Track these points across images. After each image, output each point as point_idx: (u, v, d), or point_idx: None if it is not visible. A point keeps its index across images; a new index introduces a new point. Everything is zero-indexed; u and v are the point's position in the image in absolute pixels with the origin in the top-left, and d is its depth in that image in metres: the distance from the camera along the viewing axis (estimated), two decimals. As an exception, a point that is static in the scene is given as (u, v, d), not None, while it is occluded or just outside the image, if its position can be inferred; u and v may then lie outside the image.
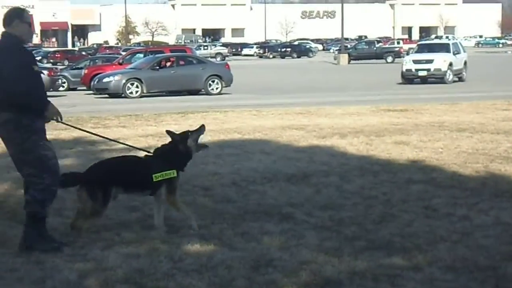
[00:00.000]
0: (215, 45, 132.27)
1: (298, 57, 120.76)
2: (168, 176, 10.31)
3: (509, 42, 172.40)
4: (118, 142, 13.10)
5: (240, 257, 9.03)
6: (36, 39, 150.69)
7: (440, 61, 49.99)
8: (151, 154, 10.74)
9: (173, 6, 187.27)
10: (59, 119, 9.80)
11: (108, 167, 10.50)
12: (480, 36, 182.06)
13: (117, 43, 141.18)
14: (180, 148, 10.52)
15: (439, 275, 8.28)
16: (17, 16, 9.76)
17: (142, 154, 11.18)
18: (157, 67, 43.62)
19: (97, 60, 57.08)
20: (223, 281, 8.17)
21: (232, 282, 8.13)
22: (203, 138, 10.80)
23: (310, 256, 9.01)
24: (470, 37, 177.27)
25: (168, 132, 10.80)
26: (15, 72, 9.48)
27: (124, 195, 11.00)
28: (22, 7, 10.22)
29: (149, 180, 10.23)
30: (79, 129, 12.34)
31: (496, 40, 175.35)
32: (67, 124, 11.12)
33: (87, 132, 12.55)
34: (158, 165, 10.32)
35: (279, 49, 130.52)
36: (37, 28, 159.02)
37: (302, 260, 8.85)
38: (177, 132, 10.74)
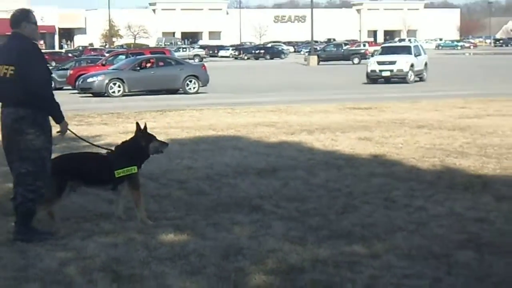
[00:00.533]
0: (193, 47, 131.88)
1: (271, 58, 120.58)
2: (129, 172, 10.30)
3: (466, 45, 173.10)
4: (84, 140, 12.76)
5: (211, 246, 9.04)
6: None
7: (402, 63, 50.13)
8: (113, 151, 10.72)
9: (154, 10, 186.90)
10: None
11: (66, 162, 10.48)
12: (440, 39, 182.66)
13: (104, 45, 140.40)
14: (142, 146, 10.52)
15: (396, 262, 8.31)
16: (25, 17, 9.75)
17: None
18: (138, 68, 43.63)
19: (82, 62, 56.96)
20: (194, 268, 8.17)
21: (203, 269, 8.13)
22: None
23: (276, 244, 9.02)
24: (431, 40, 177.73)
25: (137, 124, 10.79)
26: (44, 75, 9.55)
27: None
28: (27, 8, 10.14)
29: (110, 176, 10.23)
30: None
31: (455, 43, 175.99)
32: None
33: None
34: (120, 161, 10.32)
35: (253, 51, 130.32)
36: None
37: (269, 248, 8.86)
38: (144, 131, 10.72)
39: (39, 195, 9.55)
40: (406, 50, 53.68)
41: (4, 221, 10.00)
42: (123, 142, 10.90)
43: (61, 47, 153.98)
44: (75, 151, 15.87)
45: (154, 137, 10.80)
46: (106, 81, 42.00)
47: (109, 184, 10.40)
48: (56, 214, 10.15)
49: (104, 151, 10.84)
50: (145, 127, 10.70)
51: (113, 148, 10.86)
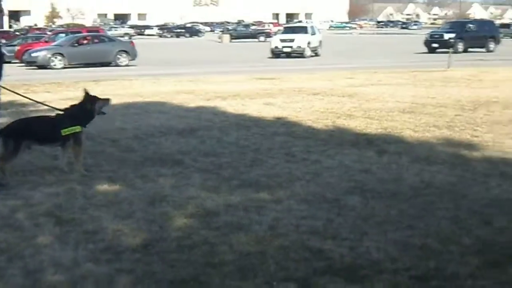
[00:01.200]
0: (123, 27, 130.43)
1: (190, 36, 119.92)
2: (74, 131, 10.22)
3: (354, 26, 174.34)
4: (42, 103, 12.74)
5: (140, 194, 8.99)
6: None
7: (300, 40, 50.49)
8: (62, 113, 10.57)
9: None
10: None
11: (22, 125, 10.31)
12: (332, 21, 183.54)
13: (51, 25, 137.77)
14: (87, 108, 10.43)
15: (295, 206, 8.36)
16: None
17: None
18: (76, 44, 43.29)
19: (27, 39, 55.98)
20: (126, 213, 8.11)
21: (133, 214, 8.08)
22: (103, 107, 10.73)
23: (195, 193, 9.00)
24: (324, 21, 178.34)
25: (85, 90, 10.65)
26: None
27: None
28: None
29: (58, 134, 10.12)
30: (15, 92, 12.03)
31: (344, 24, 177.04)
32: (5, 88, 10.83)
33: (20, 95, 12.22)
34: (66, 122, 10.22)
35: (175, 30, 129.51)
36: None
37: (189, 196, 8.84)
38: (89, 94, 10.60)
39: None
40: (303, 30, 54.04)
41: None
42: (71, 105, 10.74)
43: (10, 26, 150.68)
44: (23, 115, 15.71)
45: (98, 98, 10.69)
46: (49, 55, 41.72)
47: (58, 141, 10.27)
48: (8, 169, 9.99)
49: (55, 112, 10.72)
50: (87, 92, 10.60)
51: (61, 111, 10.71)
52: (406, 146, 12.33)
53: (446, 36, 55.11)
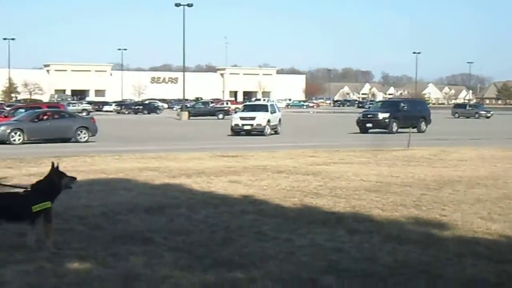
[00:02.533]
0: (81, 103, 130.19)
1: (148, 113, 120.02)
2: (45, 206, 10.10)
3: (311, 105, 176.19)
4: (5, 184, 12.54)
5: (112, 273, 8.86)
6: None
7: (260, 118, 50.79)
8: (29, 189, 10.44)
9: (47, 71, 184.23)
10: None
11: None
12: (289, 99, 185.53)
13: (6, 99, 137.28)
14: (55, 182, 10.33)
15: (271, 285, 8.30)
16: None
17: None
18: (36, 120, 43.05)
19: (-15, 114, 55.66)
20: (99, 293, 7.99)
21: (107, 293, 7.96)
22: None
23: (169, 272, 8.91)
24: (282, 99, 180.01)
25: (53, 164, 10.54)
26: None
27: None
28: None
29: (28, 211, 9.96)
30: None
31: (301, 103, 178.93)
32: None
33: None
34: (37, 198, 10.09)
35: (133, 107, 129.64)
36: None
37: (162, 275, 8.74)
38: (57, 168, 10.49)
39: None
40: (264, 108, 54.43)
41: None
42: (38, 181, 10.61)
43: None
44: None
45: (64, 174, 10.61)
46: (8, 131, 41.25)
47: (28, 218, 10.11)
48: None
49: (20, 190, 10.58)
50: (57, 166, 10.50)
51: (28, 188, 10.57)
52: (376, 225, 12.36)
53: (381, 116, 54.53)
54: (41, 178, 10.66)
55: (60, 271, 8.95)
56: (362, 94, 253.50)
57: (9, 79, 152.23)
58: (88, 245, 10.63)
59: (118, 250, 10.23)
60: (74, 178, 10.90)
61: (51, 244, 10.16)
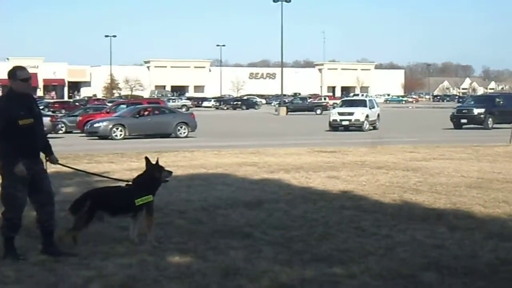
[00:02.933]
0: (181, 99, 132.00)
1: (247, 109, 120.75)
2: (147, 200, 10.27)
3: (410, 100, 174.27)
4: (101, 176, 12.79)
5: (212, 267, 8.95)
6: (39, 92, 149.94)
7: (359, 114, 50.47)
8: (131, 183, 10.64)
9: (148, 67, 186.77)
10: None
11: (96, 195, 10.39)
12: (388, 95, 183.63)
13: (113, 96, 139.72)
14: (156, 176, 10.49)
15: (371, 281, 8.26)
16: (11, 75, 9.65)
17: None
18: (137, 115, 43.80)
19: (88, 109, 56.88)
20: (199, 286, 8.08)
21: (207, 286, 8.04)
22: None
23: (268, 266, 8.94)
24: (380, 95, 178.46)
25: (146, 158, 10.74)
26: None
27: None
28: (17, 66, 9.89)
29: (132, 205, 10.14)
30: (73, 168, 12.17)
31: (400, 98, 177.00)
32: (64, 165, 10.94)
33: (75, 169, 12.35)
34: (139, 192, 10.27)
35: (231, 102, 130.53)
36: (40, 83, 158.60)
37: (262, 269, 8.77)
38: (153, 163, 10.67)
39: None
40: (362, 103, 54.07)
41: (35, 244, 9.89)
42: (138, 175, 10.82)
43: (70, 97, 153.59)
44: (88, 184, 15.83)
45: (163, 167, 10.76)
46: (110, 126, 42.16)
47: (131, 212, 10.30)
48: (79, 239, 10.04)
49: (123, 184, 10.79)
50: (157, 161, 10.68)
51: (130, 182, 10.77)
52: (477, 222, 12.14)
53: (476, 111, 53.09)
54: (141, 172, 10.84)
55: (161, 265, 9.09)
56: (462, 89, 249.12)
57: (111, 75, 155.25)
58: (189, 239, 10.76)
59: (218, 244, 10.33)
60: (171, 172, 11.06)
61: (152, 238, 10.32)
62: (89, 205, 9.97)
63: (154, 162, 10.70)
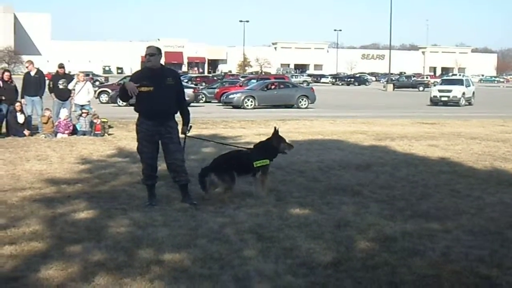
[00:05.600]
0: (302, 75, 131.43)
1: (359, 85, 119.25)
2: (264, 163, 10.35)
3: (501, 80, 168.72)
4: (228, 144, 12.94)
5: (326, 218, 8.96)
6: (184, 68, 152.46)
7: (456, 91, 49.32)
8: (253, 148, 10.75)
9: (275, 48, 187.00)
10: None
11: (225, 159, 10.47)
12: (482, 75, 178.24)
13: (245, 72, 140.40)
14: (273, 145, 10.55)
15: (463, 236, 8.11)
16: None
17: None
18: (266, 89, 43.87)
19: (224, 83, 57.45)
20: (316, 234, 8.10)
21: (322, 235, 8.06)
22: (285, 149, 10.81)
23: (374, 220, 8.89)
24: (475, 75, 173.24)
25: (275, 128, 10.78)
26: None
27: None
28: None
29: (252, 166, 10.24)
30: (202, 139, 12.40)
31: (493, 78, 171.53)
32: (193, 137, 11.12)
33: (205, 140, 12.62)
34: (258, 155, 10.35)
35: (345, 79, 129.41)
36: (185, 60, 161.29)
37: (369, 222, 8.73)
38: (278, 134, 10.69)
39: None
40: (459, 82, 52.77)
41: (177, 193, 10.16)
42: (259, 142, 10.91)
43: (209, 72, 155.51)
44: (223, 146, 15.98)
45: (284, 140, 10.78)
46: (242, 97, 42.39)
47: (251, 172, 10.40)
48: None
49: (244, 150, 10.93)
50: (277, 131, 10.71)
51: (251, 147, 10.91)
52: None
53: None
54: (264, 139, 10.91)
55: (283, 215, 9.15)
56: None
57: (244, 55, 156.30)
58: (307, 194, 10.80)
59: (332, 200, 10.33)
60: (292, 146, 11.06)
61: (265, 193, 10.43)
62: (224, 168, 10.08)
63: (279, 135, 10.70)
